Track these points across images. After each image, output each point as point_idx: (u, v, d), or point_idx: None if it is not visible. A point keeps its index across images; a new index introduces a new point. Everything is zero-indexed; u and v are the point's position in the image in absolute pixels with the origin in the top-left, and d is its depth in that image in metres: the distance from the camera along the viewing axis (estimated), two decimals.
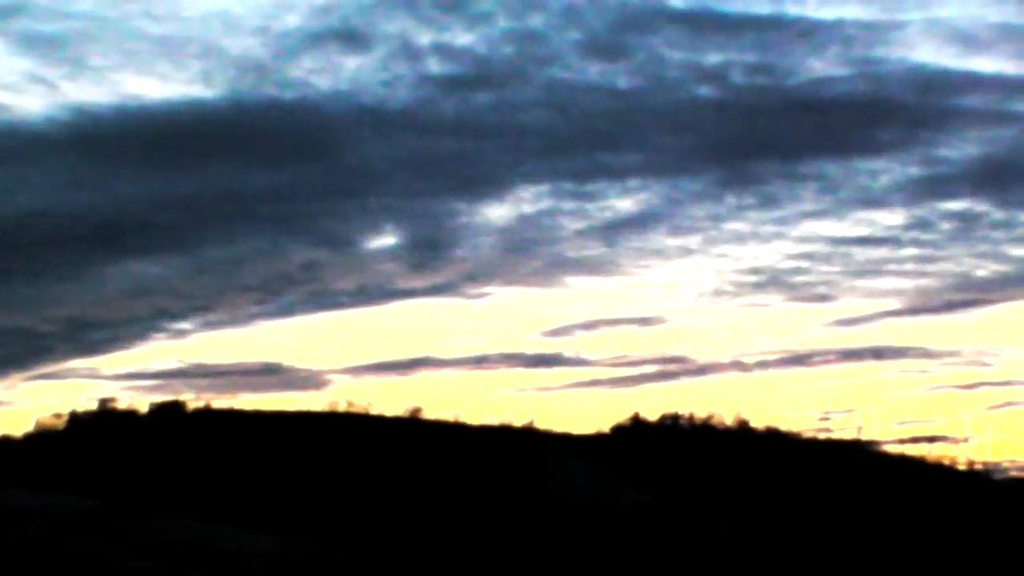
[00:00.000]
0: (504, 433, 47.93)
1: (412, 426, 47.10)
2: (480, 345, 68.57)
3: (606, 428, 49.96)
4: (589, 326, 66.84)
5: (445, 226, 68.56)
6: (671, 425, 49.12)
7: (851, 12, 71.03)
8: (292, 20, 70.06)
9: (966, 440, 46.16)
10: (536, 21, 69.56)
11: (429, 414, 48.89)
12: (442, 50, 69.11)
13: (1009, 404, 59.48)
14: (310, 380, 64.49)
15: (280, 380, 64.50)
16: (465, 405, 69.21)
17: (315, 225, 68.45)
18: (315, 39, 68.18)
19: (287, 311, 67.55)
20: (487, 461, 41.34)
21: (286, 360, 69.87)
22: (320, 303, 67.70)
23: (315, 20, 69.04)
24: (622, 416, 49.98)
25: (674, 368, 63.92)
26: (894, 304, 65.88)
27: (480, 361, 64.58)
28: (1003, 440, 54.18)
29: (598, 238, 68.36)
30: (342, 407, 47.61)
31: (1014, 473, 44.42)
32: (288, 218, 68.11)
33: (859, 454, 47.37)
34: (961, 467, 45.72)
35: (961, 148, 67.69)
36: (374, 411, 47.33)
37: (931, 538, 29.89)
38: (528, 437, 47.68)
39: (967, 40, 68.87)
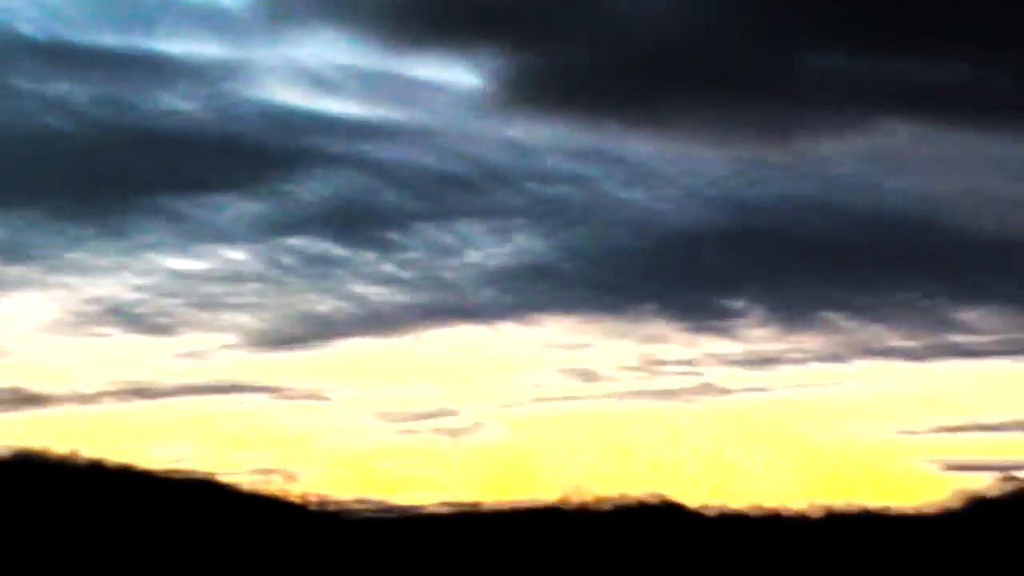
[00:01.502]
0: None
1: None
2: None
3: None
4: None
5: None
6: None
7: (203, 49, 71.13)
8: None
9: (302, 475, 47.84)
10: None
11: None
12: None
13: (344, 439, 61.45)
14: None
15: None
16: None
17: None
18: None
19: None
20: None
21: None
22: None
23: None
24: None
25: (11, 399, 63.50)
26: (237, 338, 66.80)
27: None
28: (336, 476, 55.97)
29: None
30: None
31: (354, 508, 45.97)
32: None
33: (204, 487, 48.13)
34: (298, 501, 47.00)
35: (309, 187, 68.90)
36: None
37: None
38: None
39: (317, 81, 70.83)
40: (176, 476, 48.41)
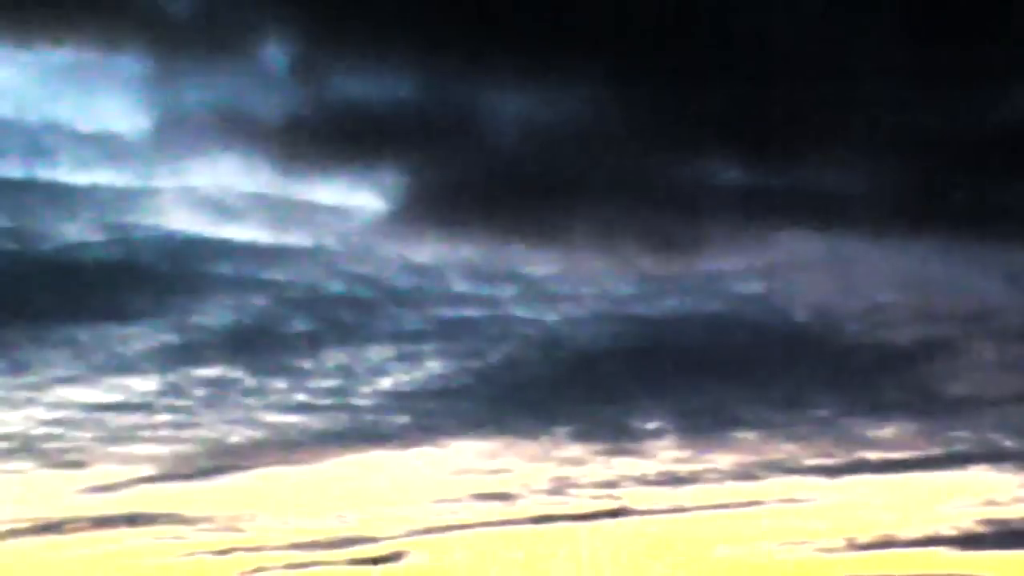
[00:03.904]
0: None
1: None
2: None
3: None
4: None
5: None
6: None
7: (105, 178, 71.25)
8: None
9: None
10: None
11: None
12: None
13: (261, 569, 61.56)
14: None
15: None
16: None
17: None
18: None
19: None
20: None
21: None
22: None
23: None
24: None
25: None
26: (149, 470, 66.59)
27: None
28: None
29: None
30: None
31: None
32: None
33: None
34: None
35: (214, 315, 68.66)
36: None
37: None
38: None
39: (218, 208, 70.67)
40: None
